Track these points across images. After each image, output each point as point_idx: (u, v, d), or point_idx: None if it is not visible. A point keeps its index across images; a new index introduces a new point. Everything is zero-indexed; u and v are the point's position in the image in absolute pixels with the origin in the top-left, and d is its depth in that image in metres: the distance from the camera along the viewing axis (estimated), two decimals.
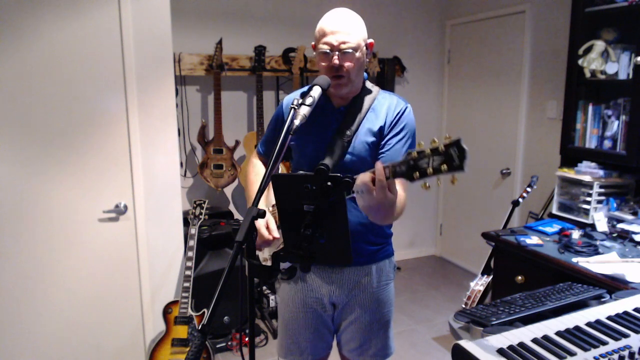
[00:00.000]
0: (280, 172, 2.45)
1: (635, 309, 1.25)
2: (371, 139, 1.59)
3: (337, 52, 1.50)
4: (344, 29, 1.51)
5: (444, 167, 1.05)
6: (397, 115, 1.60)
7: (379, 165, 1.17)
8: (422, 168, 1.09)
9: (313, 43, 1.59)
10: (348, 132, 1.57)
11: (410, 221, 4.60)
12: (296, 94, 1.74)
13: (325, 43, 1.50)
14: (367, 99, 1.63)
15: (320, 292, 1.69)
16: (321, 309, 1.71)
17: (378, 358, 1.74)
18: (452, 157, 1.04)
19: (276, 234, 1.50)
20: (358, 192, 1.20)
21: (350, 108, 1.61)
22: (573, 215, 2.71)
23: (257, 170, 1.78)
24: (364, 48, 1.57)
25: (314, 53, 1.58)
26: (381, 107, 1.62)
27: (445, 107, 4.57)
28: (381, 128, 1.59)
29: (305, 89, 1.72)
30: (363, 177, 1.19)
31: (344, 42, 1.49)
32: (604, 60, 2.57)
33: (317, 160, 1.58)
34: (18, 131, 2.17)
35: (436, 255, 4.83)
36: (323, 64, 1.53)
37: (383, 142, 1.59)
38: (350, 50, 1.50)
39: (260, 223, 1.51)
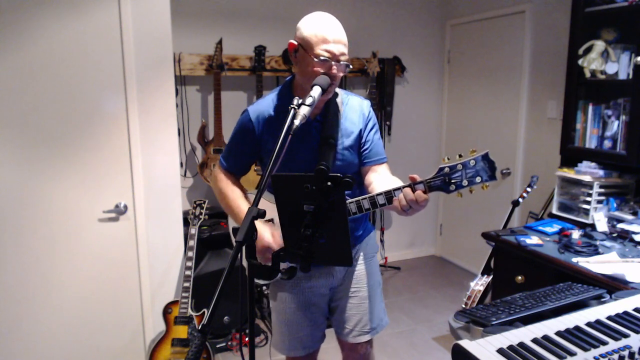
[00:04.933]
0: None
1: (635, 309, 1.25)
2: (354, 142, 1.68)
3: (335, 62, 1.53)
4: (344, 40, 1.56)
5: (478, 178, 1.25)
6: (368, 113, 1.73)
7: (420, 192, 1.34)
8: (457, 181, 1.28)
9: (294, 42, 1.57)
10: (332, 140, 1.63)
11: (410, 221, 4.60)
12: (262, 105, 1.70)
13: (327, 51, 1.51)
14: (337, 104, 1.68)
15: (319, 282, 1.76)
16: (319, 298, 1.79)
17: (379, 328, 1.85)
18: (483, 169, 1.23)
19: (279, 240, 1.52)
20: (405, 211, 1.37)
21: (326, 116, 1.65)
22: (573, 215, 2.71)
23: (232, 188, 1.73)
24: None
25: (294, 52, 1.57)
26: (351, 109, 1.71)
27: (445, 107, 4.57)
28: (361, 131, 1.69)
29: (269, 98, 1.69)
30: (408, 196, 1.34)
31: (343, 54, 1.54)
32: (604, 60, 2.57)
33: (306, 171, 1.60)
34: (18, 131, 2.17)
35: (436, 255, 4.83)
36: (319, 69, 1.51)
37: (364, 140, 1.70)
38: (345, 63, 1.55)
39: (263, 230, 1.54)
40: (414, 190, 1.34)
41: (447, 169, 1.26)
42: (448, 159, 1.29)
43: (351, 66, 1.61)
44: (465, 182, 1.25)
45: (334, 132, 1.63)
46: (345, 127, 1.66)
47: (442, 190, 1.29)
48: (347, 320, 1.80)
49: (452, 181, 1.27)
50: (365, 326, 1.81)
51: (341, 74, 1.56)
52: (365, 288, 1.80)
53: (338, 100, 1.68)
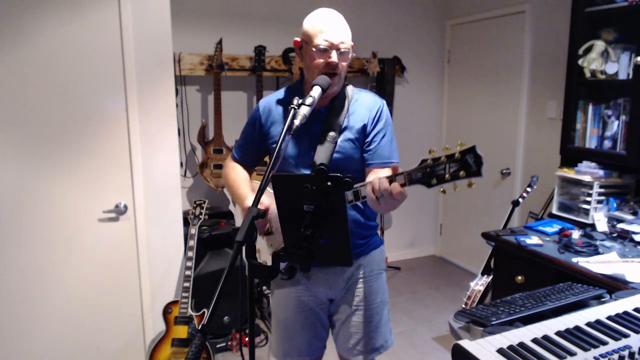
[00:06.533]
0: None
1: (635, 309, 1.25)
2: (356, 136, 1.62)
3: (334, 50, 1.52)
4: (343, 29, 1.54)
5: (462, 173, 1.11)
6: (377, 112, 1.65)
7: (396, 184, 1.23)
8: (440, 175, 1.15)
9: (298, 39, 1.59)
10: (332, 133, 1.60)
11: (410, 221, 4.60)
12: (272, 97, 1.72)
13: (326, 40, 1.51)
14: (344, 98, 1.66)
15: (316, 290, 1.71)
16: (317, 306, 1.73)
17: (382, 349, 1.75)
18: (468, 163, 1.10)
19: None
20: (378, 198, 1.26)
21: (331, 108, 1.63)
22: (573, 215, 2.71)
23: (237, 171, 1.76)
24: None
25: (299, 49, 1.59)
26: (360, 105, 1.65)
27: (445, 107, 4.57)
28: (364, 126, 1.63)
29: (280, 92, 1.72)
30: (383, 184, 1.25)
31: (342, 42, 1.53)
32: (604, 60, 2.57)
33: (305, 162, 1.60)
34: (18, 131, 2.16)
35: (436, 255, 4.83)
36: (320, 60, 1.53)
37: (368, 140, 1.63)
38: (346, 50, 1.54)
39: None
40: (391, 182, 1.26)
41: (429, 161, 1.16)
42: (431, 152, 1.20)
43: (350, 54, 1.57)
44: (447, 177, 1.13)
45: (335, 124, 1.60)
46: (348, 121, 1.62)
47: (423, 183, 1.18)
48: (349, 338, 1.73)
49: (434, 175, 1.16)
50: (367, 346, 1.72)
51: (343, 63, 1.55)
52: (369, 307, 1.71)
53: (347, 94, 1.65)
